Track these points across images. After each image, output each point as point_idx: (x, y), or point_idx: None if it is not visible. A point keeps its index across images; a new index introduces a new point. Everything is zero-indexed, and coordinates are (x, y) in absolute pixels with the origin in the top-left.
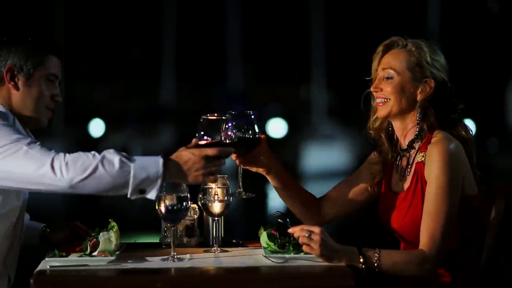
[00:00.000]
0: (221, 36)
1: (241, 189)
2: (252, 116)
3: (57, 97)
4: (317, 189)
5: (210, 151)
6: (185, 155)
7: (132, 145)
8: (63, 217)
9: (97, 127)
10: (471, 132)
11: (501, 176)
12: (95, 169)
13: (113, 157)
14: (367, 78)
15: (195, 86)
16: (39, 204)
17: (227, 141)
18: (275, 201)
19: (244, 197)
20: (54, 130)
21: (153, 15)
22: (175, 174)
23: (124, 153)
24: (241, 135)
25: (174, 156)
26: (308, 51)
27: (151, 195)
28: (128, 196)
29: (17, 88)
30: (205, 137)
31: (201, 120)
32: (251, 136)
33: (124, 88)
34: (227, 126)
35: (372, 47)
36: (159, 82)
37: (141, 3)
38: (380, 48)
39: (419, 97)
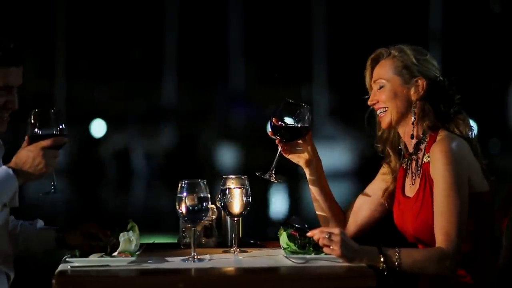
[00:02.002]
0: (223, 36)
1: (273, 173)
2: (306, 109)
3: (9, 105)
4: None
5: (45, 143)
6: (23, 155)
7: (133, 145)
8: (64, 218)
9: (98, 127)
10: (470, 125)
11: (503, 177)
12: None
13: None
14: (366, 97)
15: (196, 86)
16: (39, 204)
17: (278, 124)
18: (279, 204)
19: (274, 181)
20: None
21: (154, 16)
22: (24, 178)
23: None
24: (290, 123)
25: (13, 162)
26: (309, 52)
27: (13, 204)
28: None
29: None
30: (36, 130)
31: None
32: (298, 126)
33: (125, 88)
34: (278, 112)
35: (374, 48)
36: (161, 82)
37: (142, 3)
38: (368, 63)
39: (413, 98)
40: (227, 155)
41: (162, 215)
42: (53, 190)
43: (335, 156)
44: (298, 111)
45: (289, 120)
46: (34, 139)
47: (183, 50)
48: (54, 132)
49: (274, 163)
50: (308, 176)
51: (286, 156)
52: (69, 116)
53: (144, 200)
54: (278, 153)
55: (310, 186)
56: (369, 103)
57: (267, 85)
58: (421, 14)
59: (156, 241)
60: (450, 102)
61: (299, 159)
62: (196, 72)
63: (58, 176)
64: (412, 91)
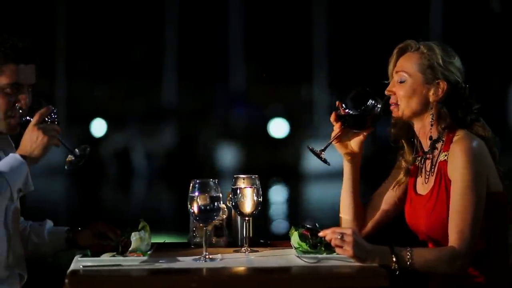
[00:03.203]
0: (223, 36)
1: (324, 153)
2: (378, 106)
3: (18, 103)
4: (319, 189)
5: (34, 120)
6: (23, 140)
7: (134, 144)
8: (64, 218)
9: (98, 127)
10: (490, 130)
11: (504, 177)
12: None
13: None
14: (386, 82)
15: (196, 86)
16: (40, 204)
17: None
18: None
19: (323, 160)
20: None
21: (155, 15)
22: (32, 157)
23: None
24: (357, 111)
25: (18, 150)
26: (310, 51)
27: (28, 188)
28: (14, 200)
29: None
30: (27, 118)
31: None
32: (364, 119)
33: (125, 87)
34: (352, 97)
35: (374, 47)
36: (161, 81)
37: (143, 3)
38: (395, 51)
39: (431, 99)
40: (227, 155)
41: (163, 215)
42: (73, 157)
43: (335, 156)
44: (369, 102)
45: (357, 108)
46: (26, 123)
47: (184, 50)
48: (39, 108)
49: (327, 144)
50: (346, 170)
51: (334, 144)
52: (70, 116)
53: (144, 199)
54: (334, 135)
55: (344, 181)
56: (386, 92)
57: (268, 85)
58: (422, 14)
59: (159, 241)
60: (467, 110)
61: (346, 150)
62: (197, 71)
63: (58, 175)
64: (432, 92)
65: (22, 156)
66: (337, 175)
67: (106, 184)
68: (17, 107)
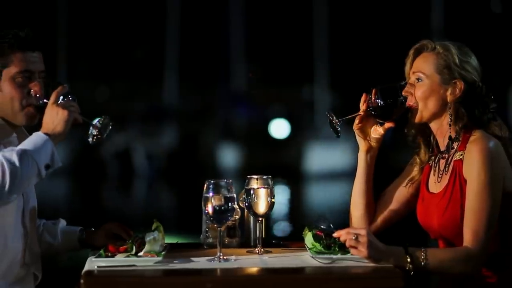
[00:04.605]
0: (224, 36)
1: (339, 123)
2: (403, 101)
3: (32, 91)
4: (319, 189)
5: (51, 99)
6: (44, 118)
7: (135, 144)
8: (65, 218)
9: None
10: (507, 130)
11: None
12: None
13: (12, 155)
14: (403, 83)
15: (198, 86)
16: (41, 204)
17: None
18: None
19: (336, 129)
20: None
21: (156, 15)
22: (56, 134)
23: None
24: (385, 104)
25: (41, 128)
26: (311, 52)
27: (57, 164)
28: (43, 176)
29: None
30: (44, 100)
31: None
32: (391, 112)
33: (126, 88)
34: (383, 88)
35: (376, 48)
36: (162, 82)
37: (144, 3)
38: (411, 52)
39: (449, 99)
40: (228, 155)
41: (164, 215)
42: (94, 131)
43: (336, 156)
44: (397, 98)
45: (385, 99)
46: (44, 106)
47: (185, 50)
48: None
49: (349, 116)
50: (360, 164)
51: (356, 128)
52: None
53: (145, 199)
54: (356, 114)
55: (358, 174)
56: (404, 93)
57: (269, 86)
58: (423, 13)
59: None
60: (484, 109)
61: (363, 138)
62: (198, 72)
63: (59, 175)
64: (449, 91)
65: (45, 134)
66: (339, 175)
67: (107, 184)
68: (32, 94)
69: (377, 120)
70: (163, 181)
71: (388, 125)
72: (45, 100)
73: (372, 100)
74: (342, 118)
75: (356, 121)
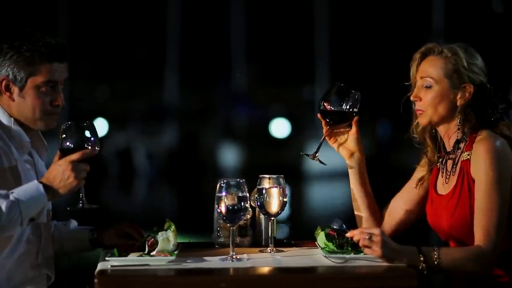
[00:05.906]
0: (225, 36)
1: (317, 155)
2: (355, 95)
3: (56, 102)
4: (320, 189)
5: (74, 156)
6: (53, 170)
7: (135, 144)
8: (65, 218)
9: (100, 127)
10: None
11: None
12: None
13: (2, 203)
14: (407, 83)
15: (198, 86)
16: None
17: (325, 106)
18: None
19: (318, 161)
20: (57, 129)
21: (157, 15)
22: (54, 193)
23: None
24: (337, 107)
25: (45, 177)
26: (311, 52)
27: (41, 220)
28: (23, 227)
29: (12, 99)
30: (67, 144)
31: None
32: (344, 110)
33: (127, 87)
34: (327, 94)
35: (377, 48)
36: (163, 81)
37: (145, 3)
38: (417, 56)
39: (459, 103)
40: (229, 155)
41: (164, 214)
42: (81, 204)
43: (337, 156)
44: (347, 96)
45: (336, 104)
46: (64, 152)
47: (185, 50)
48: (86, 145)
49: (318, 146)
50: (349, 169)
51: (330, 143)
52: (71, 115)
53: (146, 199)
54: (323, 137)
55: (351, 180)
56: (412, 98)
57: (270, 85)
58: (424, 13)
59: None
60: (493, 110)
61: (342, 148)
62: (198, 71)
63: None
64: (459, 96)
65: (45, 186)
66: (340, 175)
67: (107, 183)
68: (55, 105)
69: (342, 124)
70: (164, 181)
71: (353, 121)
72: (68, 144)
73: (325, 109)
74: (315, 151)
75: (327, 139)
